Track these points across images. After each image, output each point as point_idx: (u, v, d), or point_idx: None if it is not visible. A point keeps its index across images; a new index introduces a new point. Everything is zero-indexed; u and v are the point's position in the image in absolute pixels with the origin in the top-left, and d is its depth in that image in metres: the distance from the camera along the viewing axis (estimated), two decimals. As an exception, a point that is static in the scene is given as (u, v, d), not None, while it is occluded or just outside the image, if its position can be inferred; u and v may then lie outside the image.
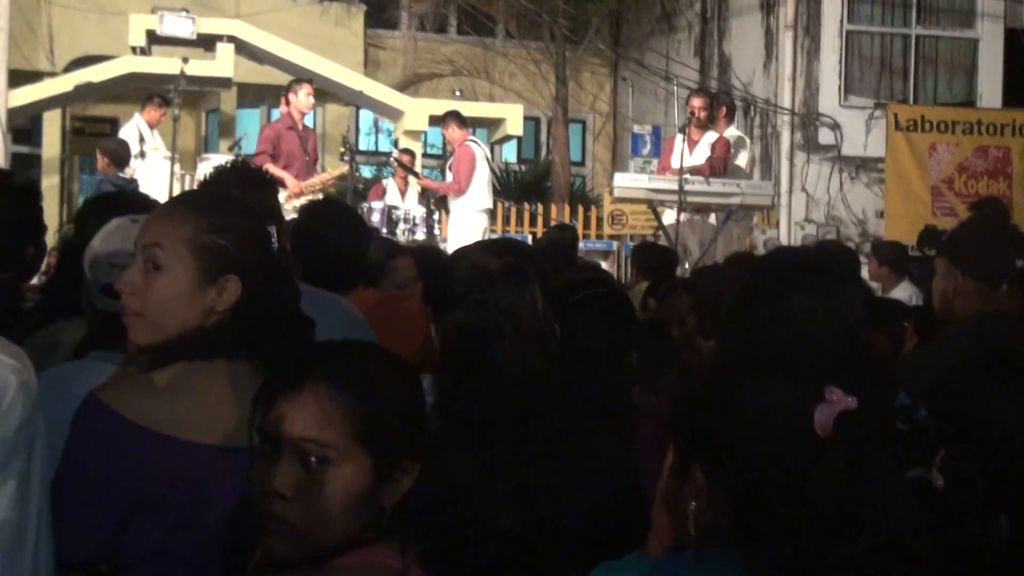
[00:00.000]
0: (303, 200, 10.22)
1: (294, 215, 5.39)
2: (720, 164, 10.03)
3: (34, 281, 4.49)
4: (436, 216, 12.04)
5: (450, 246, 10.99)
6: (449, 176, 11.74)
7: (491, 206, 11.76)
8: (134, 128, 12.00)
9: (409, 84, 17.70)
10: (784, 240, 13.90)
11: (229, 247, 2.17)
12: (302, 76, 12.82)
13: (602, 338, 2.71)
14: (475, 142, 11.70)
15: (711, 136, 10.18)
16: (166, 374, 2.11)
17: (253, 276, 2.16)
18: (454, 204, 11.46)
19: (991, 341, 3.30)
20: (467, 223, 11.27)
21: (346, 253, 3.91)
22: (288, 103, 10.62)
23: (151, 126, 12.20)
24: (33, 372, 1.94)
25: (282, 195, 10.29)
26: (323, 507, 1.76)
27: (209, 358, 2.12)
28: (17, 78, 13.97)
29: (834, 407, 1.67)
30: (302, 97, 10.46)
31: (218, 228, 2.17)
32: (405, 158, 12.67)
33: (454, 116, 11.67)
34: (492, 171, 11.84)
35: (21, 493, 1.86)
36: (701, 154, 10.06)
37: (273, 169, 10.11)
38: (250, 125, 15.42)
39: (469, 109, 13.83)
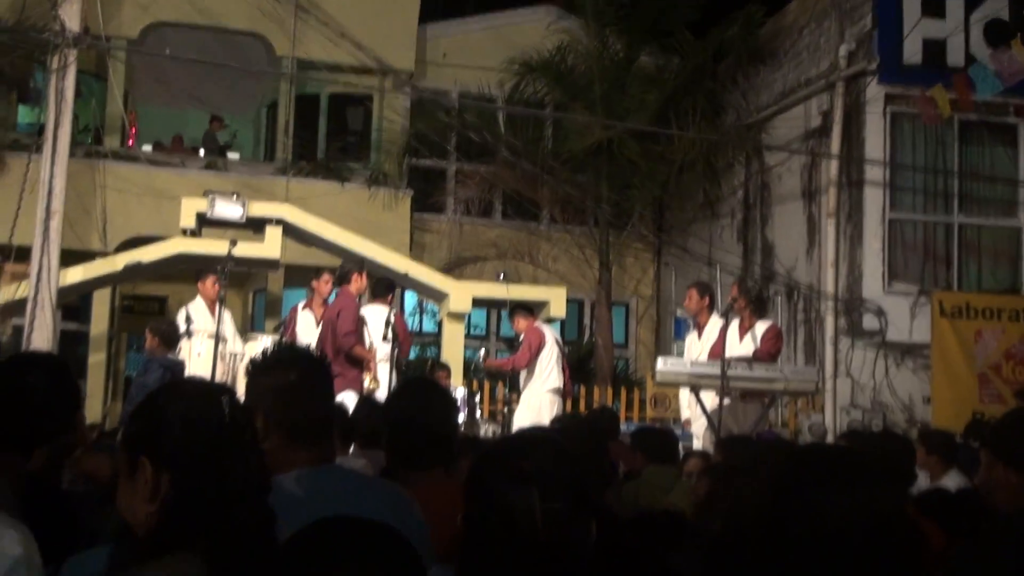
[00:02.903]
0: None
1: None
2: (768, 357, 10.03)
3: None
4: (478, 398, 12.16)
5: (518, 424, 11.26)
6: None
7: (560, 385, 12.00)
8: (183, 311, 12.30)
9: (454, 267, 18.00)
10: (829, 425, 13.75)
11: (141, 432, 2.24)
12: (349, 258, 13.13)
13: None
14: (543, 325, 12.38)
15: (762, 325, 10.22)
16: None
17: (179, 462, 2.18)
18: (526, 386, 11.77)
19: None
20: (537, 403, 11.63)
21: (439, 435, 4.02)
22: (343, 284, 11.25)
23: (211, 302, 12.37)
24: (37, 551, 1.95)
25: (366, 378, 10.64)
26: None
27: (152, 556, 2.15)
28: (70, 258, 14.26)
29: None
30: (364, 279, 11.34)
31: (134, 415, 2.26)
32: (442, 375, 12.80)
33: (519, 309, 12.43)
34: (562, 352, 12.09)
35: None
36: (749, 343, 10.10)
37: (360, 350, 10.56)
38: (296, 305, 15.63)
39: (513, 291, 14.03)
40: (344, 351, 10.80)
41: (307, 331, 11.91)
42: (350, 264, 11.72)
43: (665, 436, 7.81)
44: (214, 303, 12.47)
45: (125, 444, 2.28)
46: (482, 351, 15.10)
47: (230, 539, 2.09)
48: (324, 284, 12.10)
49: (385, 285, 12.17)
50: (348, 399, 8.98)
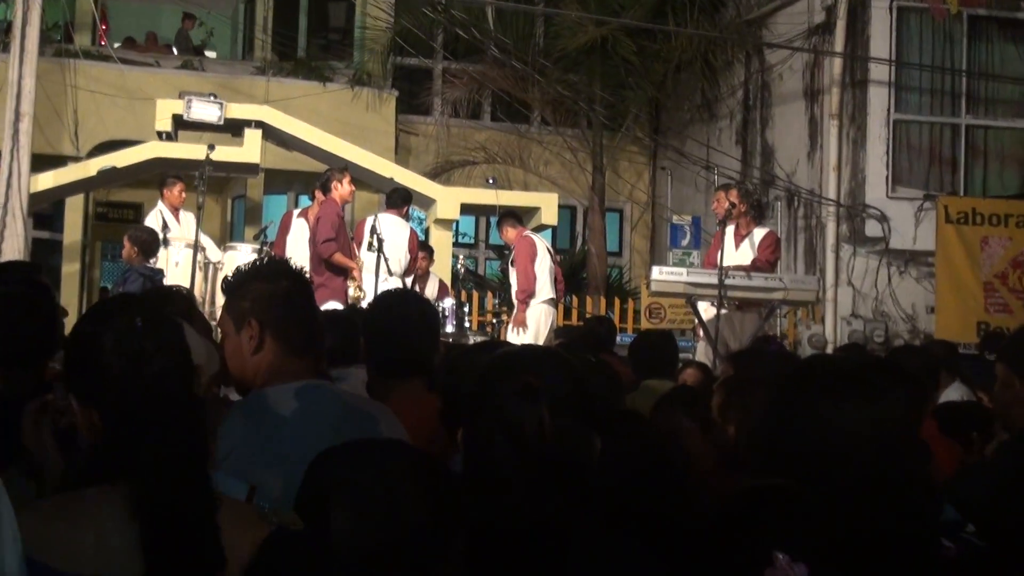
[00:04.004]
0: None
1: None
2: (767, 266, 10.03)
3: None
4: (467, 308, 12.17)
5: (512, 337, 11.31)
6: (512, 272, 12.04)
7: (554, 295, 12.03)
8: (158, 216, 12.20)
9: (441, 171, 17.88)
10: (830, 336, 13.84)
11: (67, 371, 2.34)
12: (332, 163, 13.04)
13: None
14: (532, 234, 12.24)
15: (760, 232, 10.20)
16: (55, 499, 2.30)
17: (99, 400, 2.25)
18: (518, 296, 11.80)
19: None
20: (532, 315, 11.67)
21: (417, 346, 4.15)
22: (326, 191, 10.99)
23: (174, 208, 12.40)
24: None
25: (350, 287, 10.63)
26: None
27: (83, 484, 2.21)
28: (40, 162, 14.17)
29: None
30: (346, 185, 11.18)
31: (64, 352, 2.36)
32: (422, 257, 12.75)
33: (508, 217, 12.29)
34: (553, 261, 12.09)
35: None
36: (746, 250, 10.08)
37: (341, 258, 10.57)
38: (276, 212, 15.52)
39: (503, 198, 13.97)
40: (324, 259, 10.78)
41: (299, 241, 11.88)
42: (331, 170, 11.64)
43: (663, 347, 7.73)
44: (178, 211, 12.48)
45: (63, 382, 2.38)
46: (462, 259, 15.00)
47: (153, 473, 2.12)
48: (350, 184, 11.69)
49: (401, 196, 12.10)
50: (333, 308, 9.02)
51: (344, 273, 10.94)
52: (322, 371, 3.37)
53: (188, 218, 12.34)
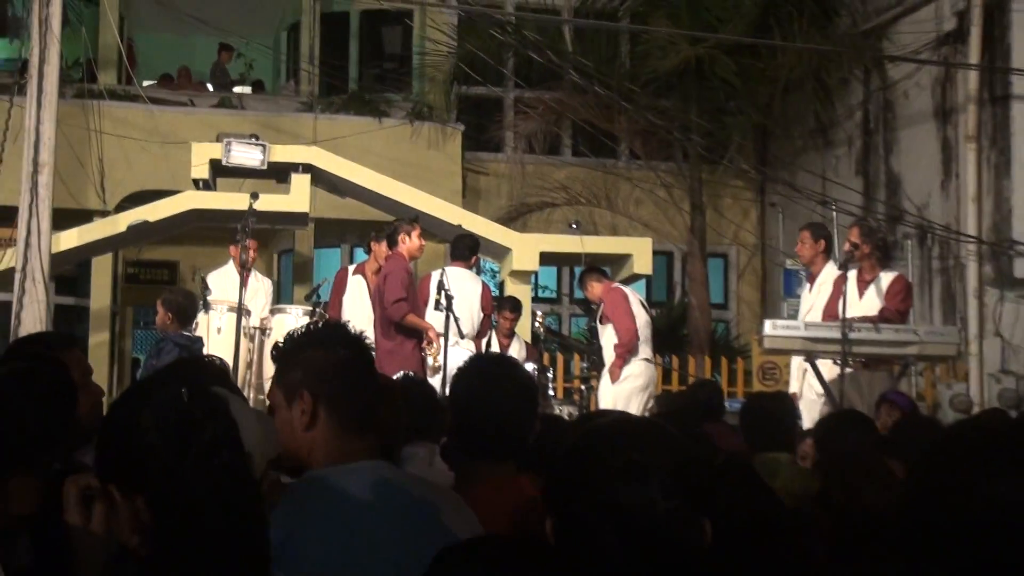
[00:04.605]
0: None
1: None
2: (897, 316, 9.95)
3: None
4: (550, 374, 12.17)
5: (605, 404, 11.27)
6: (604, 330, 12.02)
7: (651, 355, 12.01)
8: (223, 274, 12.73)
9: (516, 216, 18.01)
10: (975, 397, 13.65)
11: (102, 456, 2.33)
12: (391, 210, 13.13)
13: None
14: (622, 286, 12.36)
15: (887, 276, 10.13)
16: None
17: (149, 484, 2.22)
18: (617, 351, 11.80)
19: None
20: (630, 374, 11.64)
21: (512, 422, 4.09)
22: (392, 244, 11.24)
23: (245, 267, 12.52)
24: None
25: (427, 353, 10.65)
26: None
27: None
28: (63, 218, 14.32)
29: None
30: (415, 238, 11.24)
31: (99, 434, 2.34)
32: (506, 315, 12.78)
33: (592, 273, 12.36)
34: (649, 315, 12.10)
35: None
36: (872, 297, 10.02)
37: (414, 319, 10.60)
38: (329, 268, 15.68)
39: (588, 244, 14.00)
40: (395, 322, 10.81)
41: (356, 301, 11.93)
42: (400, 221, 11.69)
43: (779, 413, 7.66)
44: (249, 272, 12.54)
45: (96, 470, 2.35)
46: (542, 316, 14.98)
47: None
48: (419, 238, 11.83)
49: (468, 244, 12.07)
50: (406, 377, 9.03)
51: (417, 337, 10.94)
52: (385, 447, 3.42)
53: (261, 282, 12.84)
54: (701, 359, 15.77)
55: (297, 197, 14.53)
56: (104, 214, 15.91)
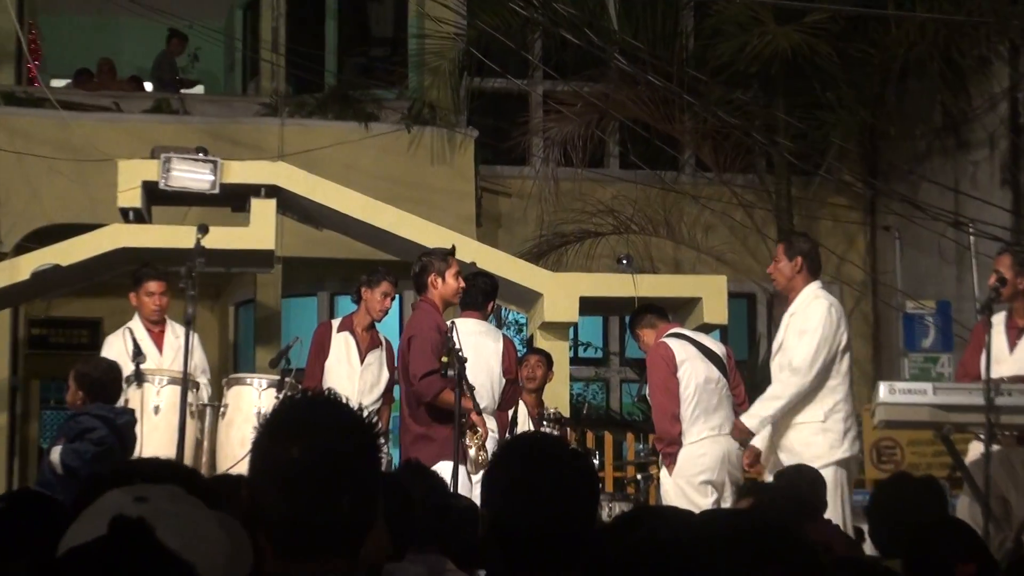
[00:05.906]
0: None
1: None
2: None
3: None
4: (597, 459, 12.32)
5: (667, 496, 11.26)
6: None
7: (723, 423, 11.62)
8: (125, 337, 12.24)
9: (548, 250, 18.03)
10: None
11: None
12: (380, 243, 13.18)
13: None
14: (674, 338, 11.82)
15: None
16: None
17: None
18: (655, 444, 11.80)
19: None
20: (688, 459, 11.45)
21: (565, 526, 3.99)
22: (421, 290, 11.12)
23: (153, 323, 12.53)
24: None
25: (471, 446, 10.53)
26: None
27: None
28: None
29: None
30: (451, 279, 11.05)
31: None
32: (537, 364, 12.97)
33: (645, 315, 12.04)
34: (719, 369, 11.76)
35: None
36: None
37: (450, 395, 10.27)
38: (301, 324, 15.67)
39: (643, 285, 13.78)
40: (426, 402, 10.61)
41: (342, 365, 11.94)
42: (430, 257, 11.35)
43: (926, 504, 7.54)
44: (161, 326, 12.57)
45: None
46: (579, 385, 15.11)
47: None
48: (379, 294, 12.02)
49: (481, 288, 11.77)
50: (444, 472, 9.04)
51: (453, 420, 10.40)
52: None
53: (174, 337, 12.45)
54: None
55: (259, 230, 14.29)
56: (2, 257, 15.92)
